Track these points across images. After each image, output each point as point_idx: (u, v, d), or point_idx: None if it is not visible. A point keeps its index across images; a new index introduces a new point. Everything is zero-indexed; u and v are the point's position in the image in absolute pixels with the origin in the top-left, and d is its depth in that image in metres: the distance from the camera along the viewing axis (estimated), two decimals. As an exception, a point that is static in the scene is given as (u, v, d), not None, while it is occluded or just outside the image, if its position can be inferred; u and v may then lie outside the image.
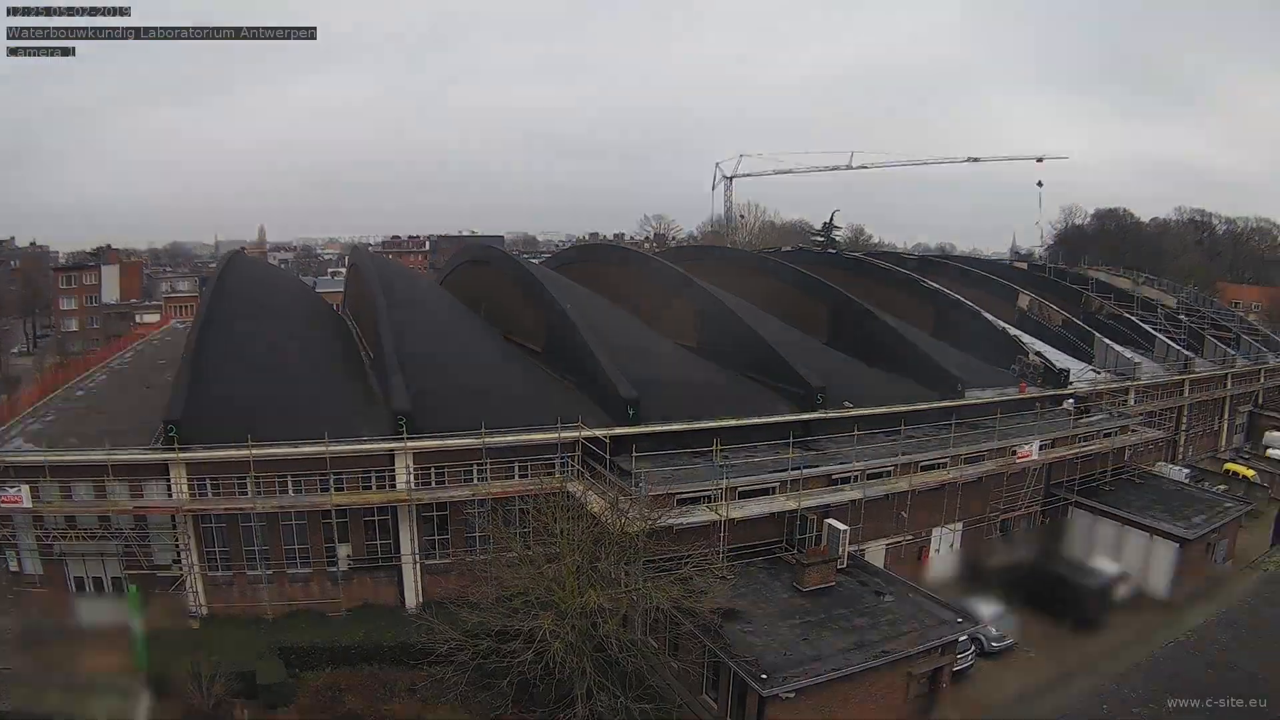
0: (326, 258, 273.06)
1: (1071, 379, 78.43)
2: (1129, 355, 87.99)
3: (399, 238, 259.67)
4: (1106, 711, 47.91)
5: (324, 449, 52.83)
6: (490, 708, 41.13)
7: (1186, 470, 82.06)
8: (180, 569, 53.72)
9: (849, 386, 67.10)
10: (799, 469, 56.84)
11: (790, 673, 41.80)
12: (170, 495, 52.57)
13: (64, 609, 53.64)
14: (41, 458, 51.71)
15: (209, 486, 53.01)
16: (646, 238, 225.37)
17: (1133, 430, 73.66)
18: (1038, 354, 79.19)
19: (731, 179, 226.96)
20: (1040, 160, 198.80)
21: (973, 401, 69.14)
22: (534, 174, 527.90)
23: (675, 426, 58.24)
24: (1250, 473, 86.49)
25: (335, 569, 56.07)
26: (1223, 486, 78.99)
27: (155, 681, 45.58)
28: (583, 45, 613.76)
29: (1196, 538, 62.39)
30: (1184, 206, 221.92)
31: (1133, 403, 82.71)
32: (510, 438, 55.94)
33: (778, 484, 56.20)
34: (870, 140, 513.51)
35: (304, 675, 47.12)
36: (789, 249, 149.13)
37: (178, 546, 53.59)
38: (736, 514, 53.05)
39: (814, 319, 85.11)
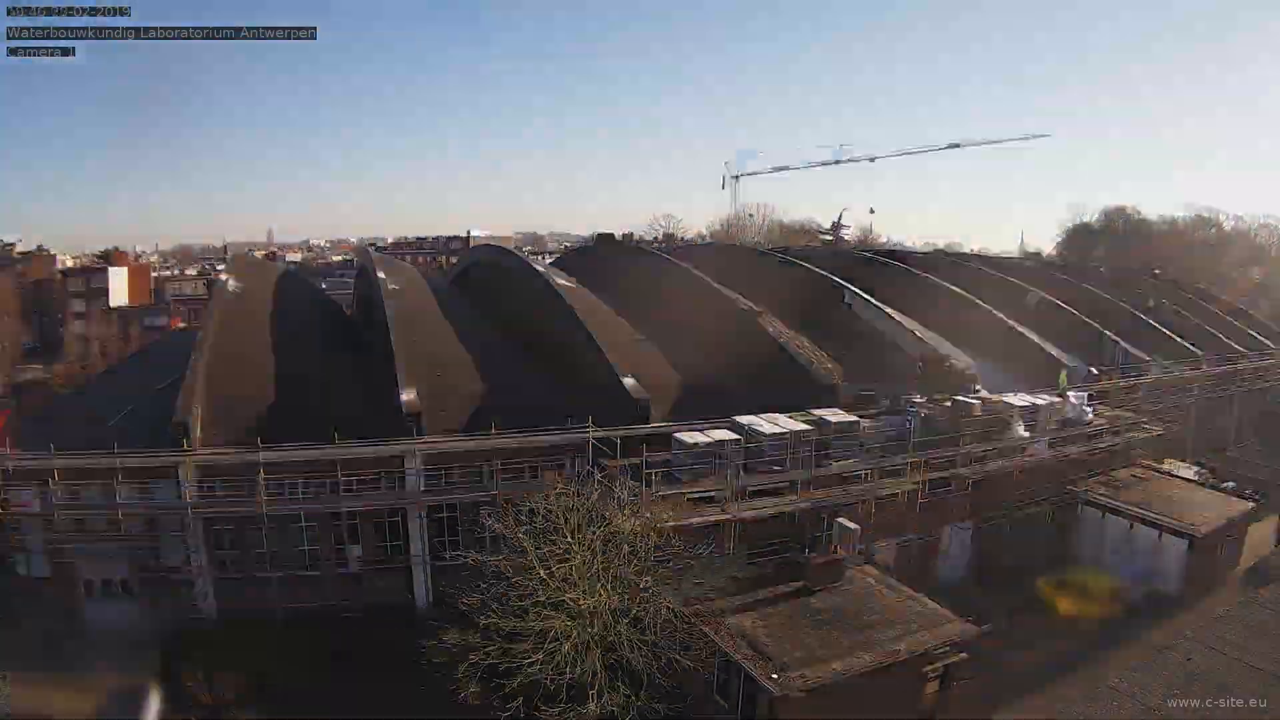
0: (335, 259, 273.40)
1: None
2: (1139, 353, 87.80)
3: (408, 239, 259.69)
4: (1111, 710, 47.96)
5: (333, 451, 52.92)
6: (501, 708, 41.07)
7: (1196, 468, 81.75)
8: (190, 571, 53.79)
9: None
10: (809, 468, 56.68)
11: (801, 672, 41.77)
12: (180, 497, 52.64)
13: (73, 611, 53.84)
14: (51, 461, 51.81)
15: (219, 488, 53.10)
16: (656, 237, 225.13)
17: (1143, 427, 73.35)
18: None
19: (738, 178, 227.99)
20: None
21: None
22: (544, 175, 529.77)
23: (686, 426, 58.18)
24: None
25: (345, 570, 56.12)
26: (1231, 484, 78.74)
27: (164, 684, 45.70)
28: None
29: (1206, 535, 62.20)
30: (1193, 203, 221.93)
31: (1142, 399, 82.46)
32: (520, 439, 56.03)
33: (788, 483, 56.03)
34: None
35: (313, 676, 47.10)
36: (798, 247, 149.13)
37: (187, 548, 53.66)
38: (746, 513, 53.04)
39: (822, 316, 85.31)
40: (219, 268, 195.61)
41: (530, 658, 39.24)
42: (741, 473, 54.93)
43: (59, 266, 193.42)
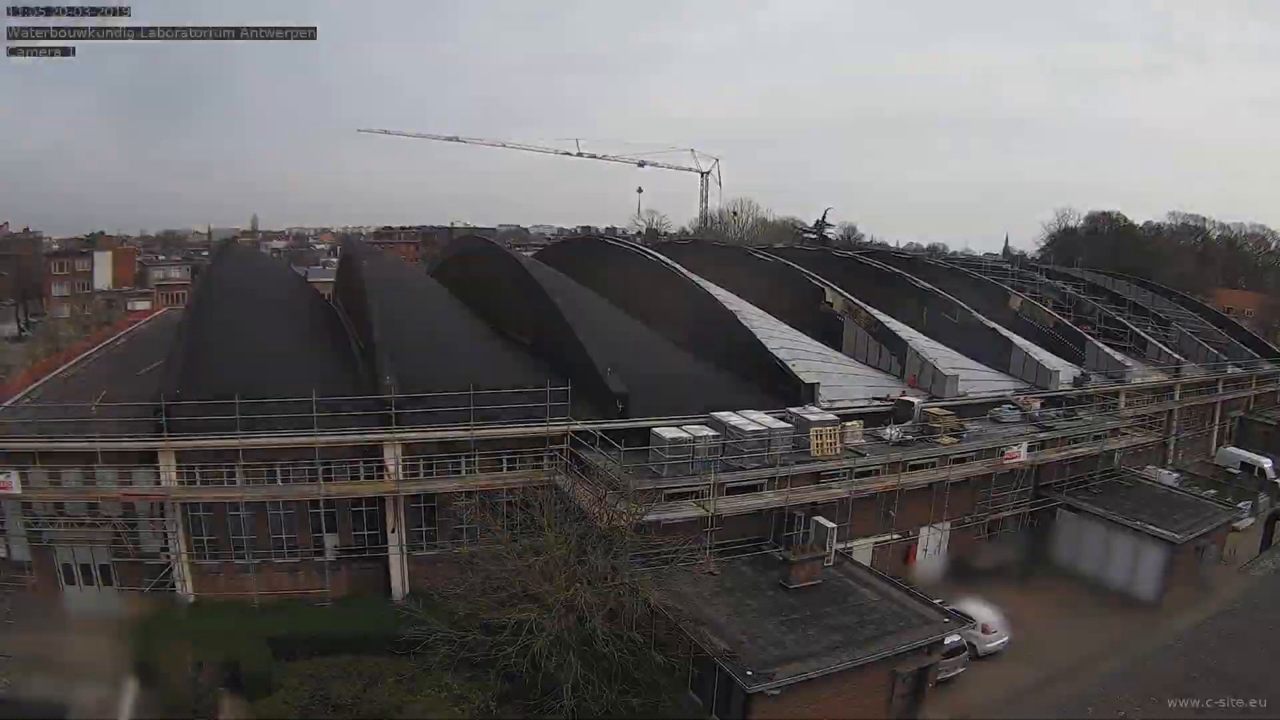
0: (319, 248, 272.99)
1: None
2: (1119, 359, 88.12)
3: (391, 228, 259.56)
4: (1093, 714, 48.22)
5: (313, 439, 52.87)
6: (476, 699, 41.04)
7: (1176, 474, 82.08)
8: (168, 557, 53.70)
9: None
10: (786, 465, 56.82)
11: (776, 670, 41.86)
12: (159, 483, 52.57)
13: (52, 596, 53.71)
14: (31, 444, 51.66)
15: (198, 475, 53.06)
16: (638, 232, 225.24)
17: (1123, 433, 73.63)
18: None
19: (706, 174, 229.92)
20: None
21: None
22: (527, 166, 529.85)
23: (664, 421, 58.25)
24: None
25: (323, 558, 56.06)
26: (1212, 492, 79.03)
27: (142, 670, 45.60)
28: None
29: (1186, 541, 62.42)
30: (1177, 211, 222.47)
31: (1123, 406, 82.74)
32: (499, 430, 56.12)
33: (765, 480, 56.18)
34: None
35: (290, 664, 46.97)
36: (780, 245, 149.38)
37: (165, 534, 53.54)
38: (724, 509, 53.14)
39: (801, 313, 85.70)
40: (203, 253, 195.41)
41: (506, 649, 39.22)
42: (720, 469, 54.97)
43: (44, 250, 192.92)
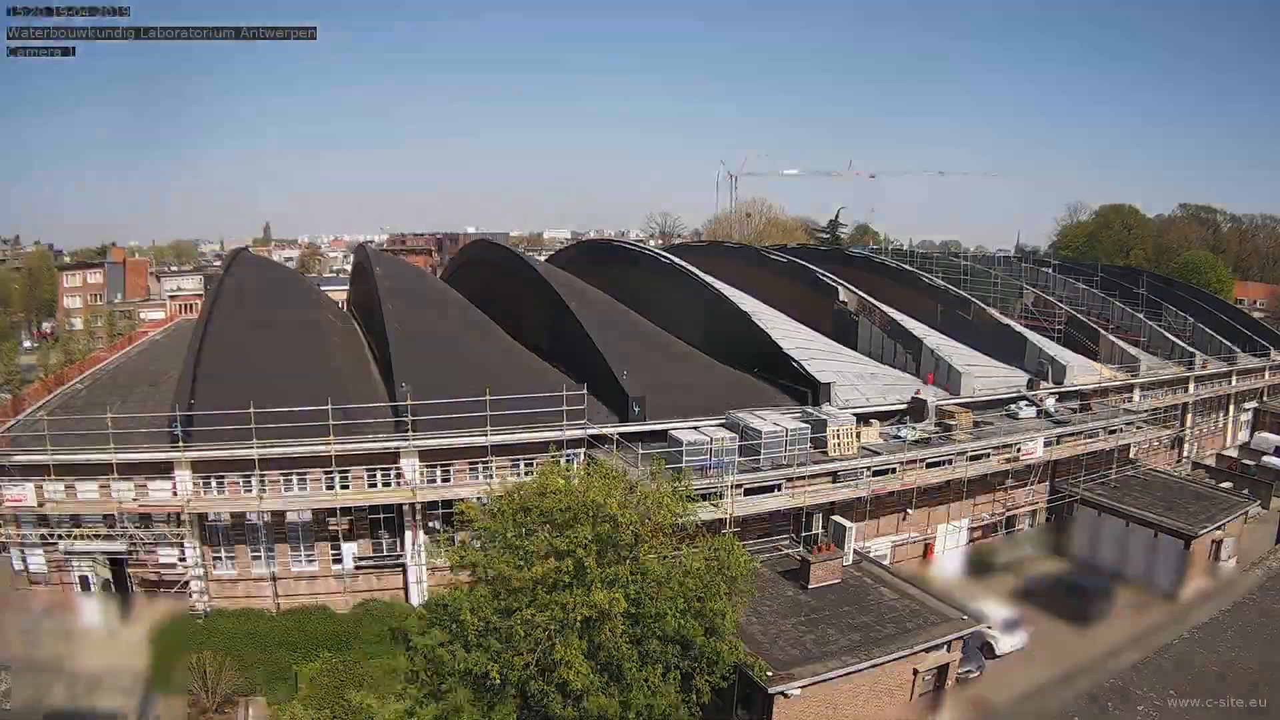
0: (332, 256, 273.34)
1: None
2: (1134, 353, 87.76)
3: (404, 236, 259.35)
4: (1110, 710, 48.04)
5: (330, 447, 52.81)
6: (494, 704, 40.85)
7: (1192, 467, 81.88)
8: (185, 567, 53.73)
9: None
10: (803, 465, 56.70)
11: (796, 670, 41.84)
12: (175, 493, 52.58)
13: (69, 606, 53.77)
14: (47, 456, 51.69)
15: (214, 484, 53.05)
16: (651, 235, 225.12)
17: (1138, 427, 73.37)
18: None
19: (736, 177, 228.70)
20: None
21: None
22: (540, 171, 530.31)
23: (680, 423, 58.17)
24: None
25: (341, 566, 56.03)
26: (1228, 485, 78.82)
27: (161, 679, 45.69)
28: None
29: (1202, 535, 62.22)
30: (1189, 203, 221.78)
31: (1137, 400, 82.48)
32: (516, 435, 56.00)
33: (782, 480, 56.05)
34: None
35: (308, 671, 47.04)
36: (794, 245, 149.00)
37: (183, 544, 53.57)
38: (742, 510, 53.04)
39: (816, 313, 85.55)
40: (215, 263, 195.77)
41: (520, 653, 38.90)
42: (737, 469, 54.86)
43: (57, 262, 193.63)
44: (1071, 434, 68.86)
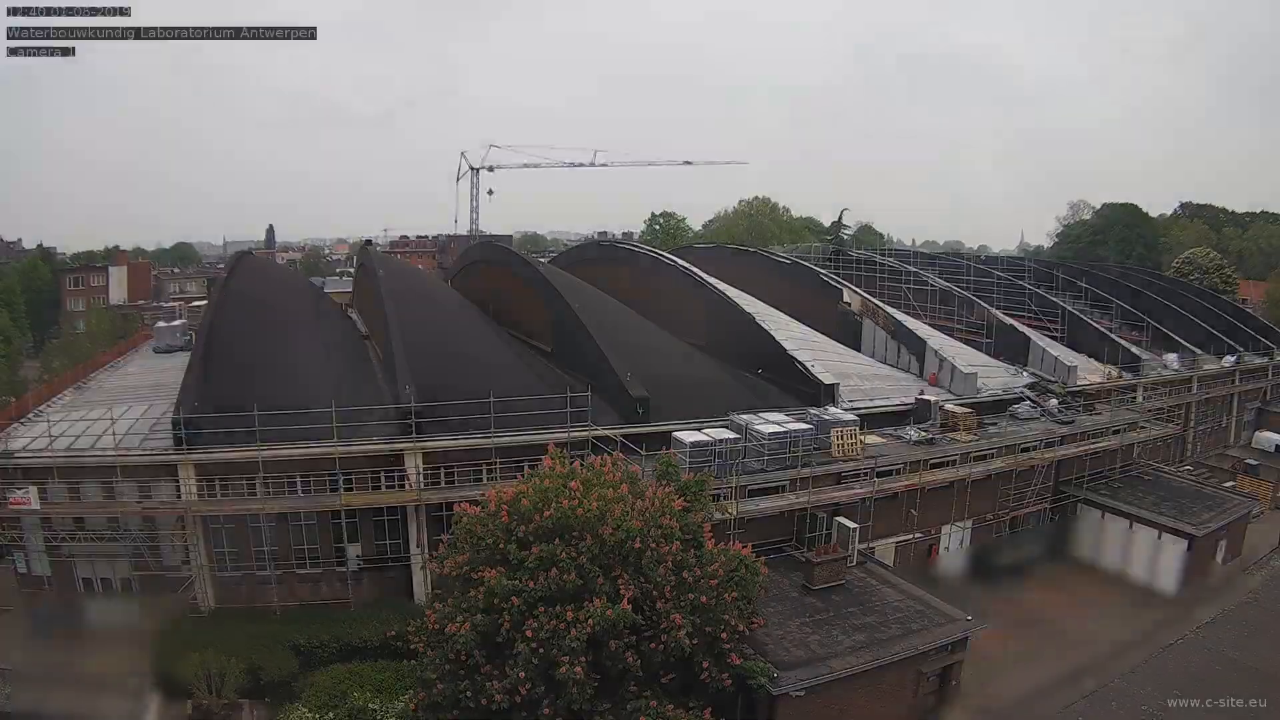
0: (335, 258, 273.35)
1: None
2: (1136, 352, 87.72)
3: (407, 237, 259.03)
4: (1113, 709, 48.04)
5: (333, 450, 52.78)
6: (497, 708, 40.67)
7: (1195, 467, 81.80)
8: (189, 569, 53.70)
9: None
10: (808, 466, 56.73)
11: (800, 671, 41.84)
12: (179, 496, 52.58)
13: (73, 609, 53.74)
14: (50, 459, 51.74)
15: (218, 487, 53.00)
16: (654, 234, 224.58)
17: (1141, 427, 73.29)
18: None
19: (478, 170, 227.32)
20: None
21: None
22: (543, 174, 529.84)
23: (684, 425, 58.20)
24: (1263, 492, 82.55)
25: (344, 568, 55.97)
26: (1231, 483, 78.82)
27: (164, 682, 45.70)
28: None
29: (1205, 535, 62.20)
30: (1190, 201, 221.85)
31: (1140, 400, 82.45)
32: (520, 437, 55.92)
33: (787, 482, 56.09)
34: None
35: (312, 673, 47.04)
36: (797, 246, 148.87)
37: (186, 547, 53.55)
38: (745, 512, 53.07)
39: (819, 314, 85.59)
40: (218, 265, 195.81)
41: (526, 659, 38.59)
42: (740, 471, 54.88)
43: (59, 264, 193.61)
44: (1074, 434, 68.82)
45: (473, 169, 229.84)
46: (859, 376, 72.23)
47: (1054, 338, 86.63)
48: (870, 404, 67.37)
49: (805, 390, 65.71)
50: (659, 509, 40.94)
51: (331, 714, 43.45)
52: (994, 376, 76.19)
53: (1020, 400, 72.80)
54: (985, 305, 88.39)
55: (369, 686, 45.45)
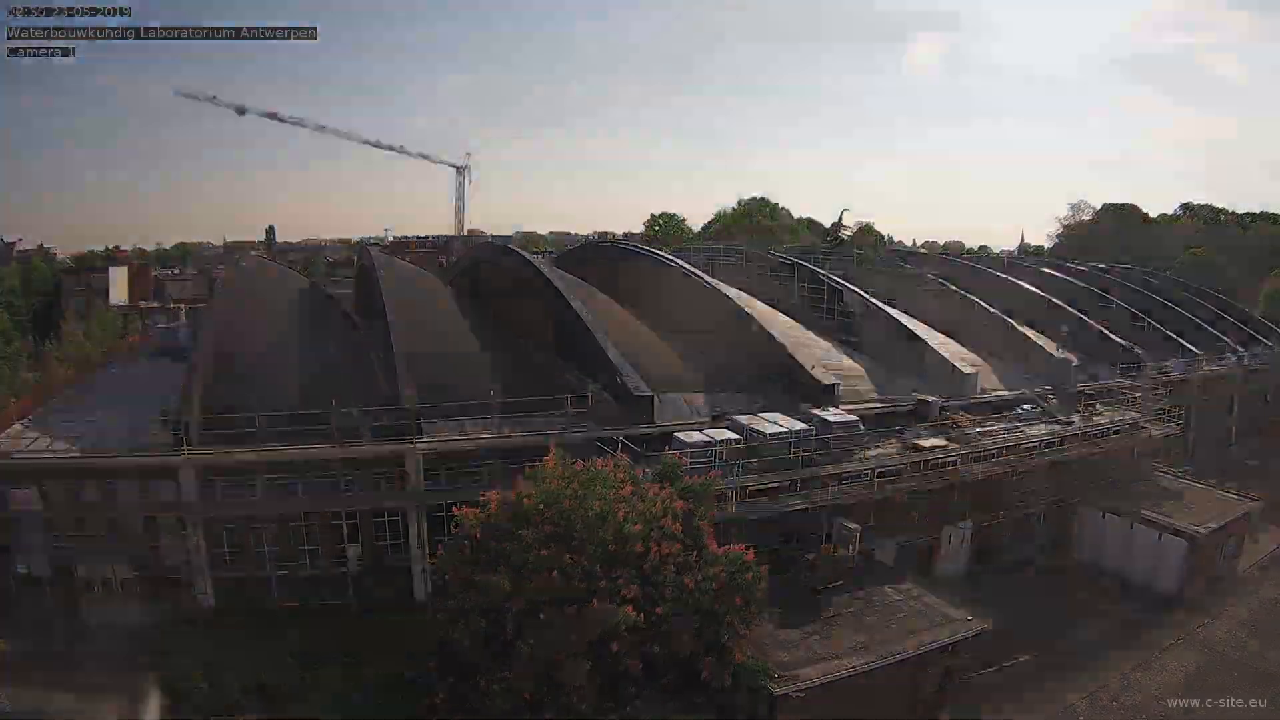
0: (335, 258, 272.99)
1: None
2: (1138, 353, 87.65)
3: (407, 238, 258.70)
4: (1113, 709, 48.09)
5: (333, 451, 52.78)
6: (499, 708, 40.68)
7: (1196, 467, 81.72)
8: (190, 570, 53.65)
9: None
10: (809, 466, 56.73)
11: (801, 671, 41.83)
12: (180, 497, 52.57)
13: (73, 610, 53.67)
14: (50, 460, 51.74)
15: (219, 488, 53.00)
16: (654, 236, 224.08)
17: (1141, 428, 73.22)
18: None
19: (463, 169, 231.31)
20: None
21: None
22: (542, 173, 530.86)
23: (685, 425, 58.20)
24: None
25: (345, 569, 55.96)
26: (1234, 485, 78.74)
27: (164, 684, 45.65)
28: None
29: (1206, 535, 62.12)
30: (1191, 202, 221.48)
31: (1140, 399, 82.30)
32: (521, 438, 55.91)
33: (787, 483, 56.11)
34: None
35: (314, 675, 47.02)
36: (797, 246, 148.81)
37: (187, 548, 53.53)
38: (746, 513, 53.12)
39: (819, 314, 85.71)
40: (219, 266, 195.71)
41: (528, 659, 38.59)
42: (742, 472, 54.92)
43: (59, 265, 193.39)
44: (1075, 434, 68.81)
45: (456, 169, 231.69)
46: (859, 377, 72.26)
47: (1055, 337, 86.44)
48: (870, 405, 67.39)
49: (805, 390, 65.67)
50: (661, 510, 41.01)
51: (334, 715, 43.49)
52: (995, 377, 76.16)
53: (1021, 401, 72.80)
54: (986, 305, 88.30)
55: (369, 688, 45.42)
